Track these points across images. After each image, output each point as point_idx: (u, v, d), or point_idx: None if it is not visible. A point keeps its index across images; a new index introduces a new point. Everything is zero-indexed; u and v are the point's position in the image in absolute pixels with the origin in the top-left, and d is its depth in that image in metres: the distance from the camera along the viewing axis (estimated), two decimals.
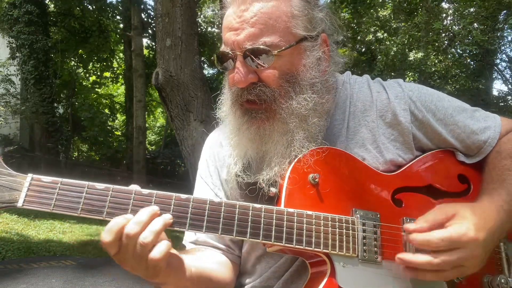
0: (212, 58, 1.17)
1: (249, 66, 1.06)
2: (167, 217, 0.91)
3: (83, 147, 23.05)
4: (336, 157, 1.11)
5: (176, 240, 1.26)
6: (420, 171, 1.18)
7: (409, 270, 0.99)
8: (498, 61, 13.58)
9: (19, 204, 0.89)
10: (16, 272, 5.59)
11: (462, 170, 1.22)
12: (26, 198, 0.90)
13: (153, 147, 27.06)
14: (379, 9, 11.54)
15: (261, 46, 1.04)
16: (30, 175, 0.92)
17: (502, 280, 1.08)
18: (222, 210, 0.96)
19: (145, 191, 0.93)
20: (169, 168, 20.93)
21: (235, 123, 1.14)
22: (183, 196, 0.95)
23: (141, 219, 0.88)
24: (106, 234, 0.87)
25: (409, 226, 1.00)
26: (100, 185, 0.93)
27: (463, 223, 0.97)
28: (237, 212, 0.97)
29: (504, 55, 13.45)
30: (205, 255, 1.21)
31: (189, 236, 1.27)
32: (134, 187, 0.94)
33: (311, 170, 1.06)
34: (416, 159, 1.19)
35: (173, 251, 0.99)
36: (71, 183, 0.92)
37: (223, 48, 1.11)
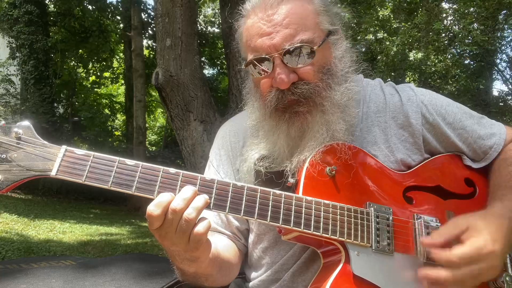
0: (238, 68, 1.20)
1: (289, 67, 1.09)
2: (206, 197, 0.96)
3: (83, 147, 23.04)
4: (353, 153, 1.15)
5: None
6: (429, 172, 1.24)
7: (431, 283, 1.01)
8: (498, 61, 13.58)
9: (53, 173, 0.92)
10: (16, 272, 5.59)
11: (469, 174, 1.28)
12: (59, 168, 0.93)
13: (153, 147, 27.04)
14: (379, 9, 11.53)
15: (300, 44, 1.07)
16: (64, 147, 0.95)
17: (507, 278, 1.10)
18: (245, 193, 1.00)
19: (172, 170, 0.98)
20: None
21: (273, 123, 1.16)
22: (208, 177, 0.99)
23: (186, 196, 0.93)
24: (155, 207, 0.91)
25: (425, 240, 1.04)
26: (130, 161, 0.97)
27: (479, 236, 1.00)
28: (258, 196, 1.00)
29: (504, 55, 13.45)
30: (216, 239, 1.25)
31: None
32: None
33: (329, 162, 1.10)
34: (426, 161, 1.25)
35: None
36: (103, 157, 0.95)
37: (256, 54, 1.12)
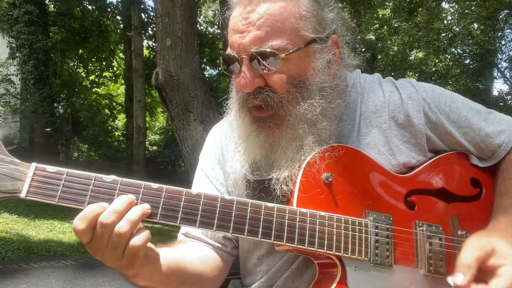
0: (218, 61, 1.15)
1: (255, 70, 1.03)
2: (146, 207, 0.87)
3: (83, 147, 23.04)
4: (350, 156, 1.08)
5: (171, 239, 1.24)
6: (433, 174, 1.16)
7: None
8: (498, 61, 13.58)
9: (23, 194, 0.84)
10: (16, 272, 5.59)
11: (475, 173, 1.21)
12: (30, 189, 0.85)
13: (154, 147, 27.04)
14: (379, 9, 11.53)
15: (268, 50, 0.99)
16: (34, 164, 0.87)
17: None
18: (234, 208, 0.93)
19: (155, 185, 0.91)
20: (169, 168, 20.91)
21: (244, 130, 1.12)
22: (194, 192, 0.93)
23: (117, 208, 0.84)
24: (79, 222, 0.83)
25: (457, 280, 0.90)
26: (108, 177, 0.89)
27: (510, 263, 0.91)
28: (249, 210, 0.94)
29: (504, 55, 13.45)
30: (189, 249, 1.16)
31: (182, 228, 1.24)
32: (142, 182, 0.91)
33: (325, 169, 1.03)
34: (430, 161, 1.17)
35: (150, 244, 0.96)
36: (77, 174, 0.87)
37: (229, 51, 1.07)
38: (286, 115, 1.05)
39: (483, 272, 0.93)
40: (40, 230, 8.46)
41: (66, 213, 11.45)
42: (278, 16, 1.00)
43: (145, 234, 0.86)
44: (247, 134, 1.10)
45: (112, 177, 0.89)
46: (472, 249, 0.95)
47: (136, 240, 0.85)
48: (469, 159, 1.22)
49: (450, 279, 0.92)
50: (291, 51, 1.01)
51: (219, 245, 1.22)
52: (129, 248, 0.84)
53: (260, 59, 1.00)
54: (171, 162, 20.55)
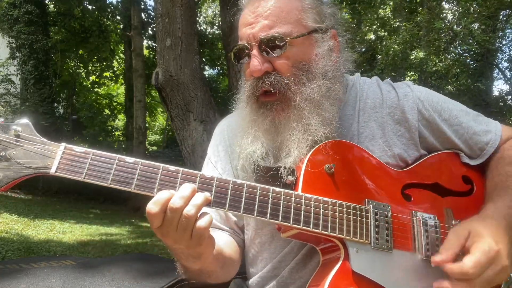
0: (229, 54, 1.26)
1: (264, 56, 1.14)
2: (207, 194, 0.96)
3: (83, 147, 23.01)
4: (351, 151, 1.17)
5: None
6: (427, 170, 1.24)
7: None
8: (499, 60, 13.57)
9: (52, 170, 0.92)
10: (16, 272, 5.59)
11: (466, 171, 1.29)
12: (59, 166, 0.93)
13: (154, 147, 27.04)
14: (379, 9, 11.52)
15: (275, 35, 1.12)
16: (63, 144, 0.95)
17: None
18: (244, 190, 1.00)
19: (172, 167, 0.98)
20: None
21: (252, 116, 1.20)
22: (207, 175, 1.00)
23: (184, 194, 0.93)
24: (153, 205, 0.92)
25: (436, 258, 1.02)
26: (129, 159, 0.97)
27: (481, 240, 1.00)
28: (258, 193, 1.01)
29: (505, 55, 13.44)
30: (217, 235, 1.24)
31: None
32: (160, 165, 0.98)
33: (327, 160, 1.11)
34: (424, 159, 1.26)
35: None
36: (102, 155, 0.95)
37: (239, 43, 1.19)
38: (293, 95, 1.14)
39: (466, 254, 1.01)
40: (40, 230, 8.46)
41: (66, 213, 11.45)
42: (283, 8, 1.15)
43: (209, 217, 0.96)
44: (255, 120, 1.19)
45: (133, 159, 0.98)
46: (451, 235, 1.05)
47: (202, 222, 0.94)
48: (460, 158, 1.31)
49: (433, 257, 1.03)
50: (295, 35, 1.14)
51: (233, 231, 1.33)
52: (196, 229, 0.94)
53: (268, 45, 1.13)
54: (171, 162, 20.52)
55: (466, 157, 1.30)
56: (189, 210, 0.92)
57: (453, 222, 1.17)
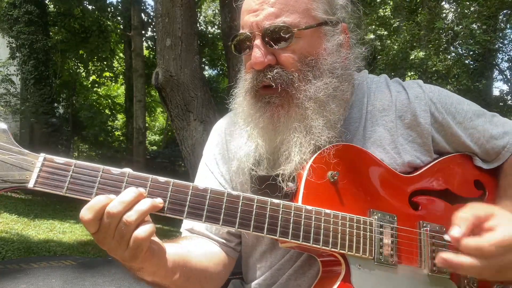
0: (230, 43, 1.15)
1: (267, 47, 1.03)
2: (158, 201, 0.88)
3: (83, 147, 23.05)
4: (355, 155, 1.08)
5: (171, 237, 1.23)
6: (437, 175, 1.16)
7: (450, 268, 0.92)
8: (499, 60, 13.57)
9: (30, 184, 0.84)
10: (16, 272, 5.59)
11: (478, 175, 1.21)
12: (38, 179, 0.84)
13: (154, 147, 27.04)
14: (379, 9, 11.52)
15: (281, 24, 1.01)
16: (42, 155, 0.86)
17: None
18: (240, 203, 0.93)
19: (162, 179, 0.91)
20: (169, 168, 20.90)
21: (248, 111, 1.10)
22: (201, 186, 0.92)
23: (125, 198, 0.85)
24: (86, 212, 0.84)
25: (454, 233, 0.88)
26: (115, 170, 0.89)
27: (509, 226, 0.88)
28: (255, 206, 0.94)
29: (505, 55, 13.44)
30: (194, 244, 1.16)
31: (186, 224, 1.24)
32: (127, 170, 0.90)
33: (330, 167, 1.02)
34: (434, 162, 1.17)
35: (156, 238, 0.97)
36: (85, 166, 0.87)
37: (241, 31, 1.08)
38: (296, 92, 1.04)
39: (481, 234, 0.90)
40: (40, 230, 8.46)
41: (66, 213, 11.45)
42: None
43: (149, 226, 0.86)
44: (251, 115, 1.09)
45: (119, 170, 0.90)
46: (472, 207, 0.94)
47: (140, 232, 0.85)
48: (473, 160, 1.22)
49: (446, 235, 0.92)
50: (303, 26, 1.03)
51: (224, 240, 1.22)
52: (133, 239, 0.85)
53: (273, 35, 1.02)
54: (171, 162, 20.54)
55: (480, 160, 1.22)
56: (130, 215, 0.83)
57: None
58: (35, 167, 0.85)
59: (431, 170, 1.16)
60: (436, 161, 1.17)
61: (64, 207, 12.66)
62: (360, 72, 1.24)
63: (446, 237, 0.92)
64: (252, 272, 1.26)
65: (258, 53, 1.03)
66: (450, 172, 1.18)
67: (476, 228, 0.90)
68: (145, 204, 0.86)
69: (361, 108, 1.18)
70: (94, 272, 5.88)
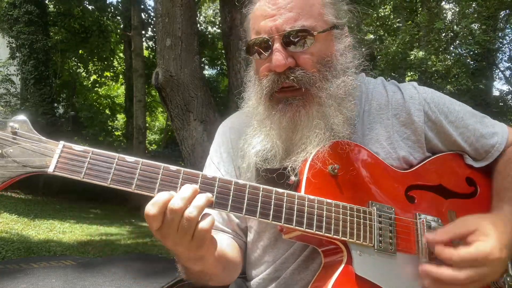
0: (244, 47, 1.19)
1: (287, 50, 1.08)
2: (209, 195, 0.93)
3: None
4: (355, 151, 1.14)
5: None
6: (431, 171, 1.22)
7: (430, 279, 1.01)
8: (499, 60, 13.57)
9: (50, 169, 0.89)
10: (16, 272, 5.59)
11: (470, 173, 1.28)
12: (57, 165, 0.89)
13: (153, 147, 27.05)
14: (379, 9, 11.52)
15: (301, 28, 1.07)
16: (61, 142, 0.92)
17: (508, 279, 1.10)
18: (247, 191, 0.97)
19: (173, 167, 0.95)
20: None
21: (267, 113, 1.15)
22: (209, 175, 0.97)
23: (185, 195, 0.90)
24: (152, 207, 0.89)
25: (429, 236, 1.02)
26: (130, 158, 0.94)
27: (487, 241, 0.97)
28: (260, 194, 0.98)
29: (505, 55, 13.45)
30: (219, 237, 1.21)
31: None
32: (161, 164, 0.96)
33: (331, 161, 1.07)
34: (428, 160, 1.23)
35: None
36: (102, 153, 0.92)
37: (257, 36, 1.12)
38: (318, 91, 1.10)
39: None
40: (40, 230, 8.47)
41: (66, 213, 11.46)
42: (306, 1, 1.10)
43: (211, 218, 0.93)
44: (272, 116, 1.13)
45: (133, 158, 0.95)
46: (457, 223, 1.04)
47: (204, 224, 0.91)
48: (464, 159, 1.29)
49: (423, 237, 1.04)
50: (320, 30, 1.10)
51: (235, 233, 1.29)
52: (198, 231, 0.91)
53: (293, 38, 1.07)
54: (171, 162, 20.52)
55: (470, 158, 1.28)
56: (191, 211, 0.89)
57: None
58: (54, 153, 0.90)
59: (425, 166, 1.22)
60: (430, 158, 1.24)
61: (64, 207, 12.68)
62: (357, 75, 1.30)
63: (423, 238, 1.03)
64: (255, 268, 1.29)
65: (279, 56, 1.07)
66: (442, 169, 1.24)
67: (462, 241, 1.00)
68: (202, 199, 0.92)
69: (359, 108, 1.24)
70: (94, 272, 5.89)
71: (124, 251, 7.78)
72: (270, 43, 1.09)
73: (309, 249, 1.16)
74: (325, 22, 1.12)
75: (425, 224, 1.11)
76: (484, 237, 0.99)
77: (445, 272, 0.97)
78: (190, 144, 5.30)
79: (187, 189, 0.91)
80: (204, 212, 0.93)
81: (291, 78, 1.08)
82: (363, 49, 1.25)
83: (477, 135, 1.26)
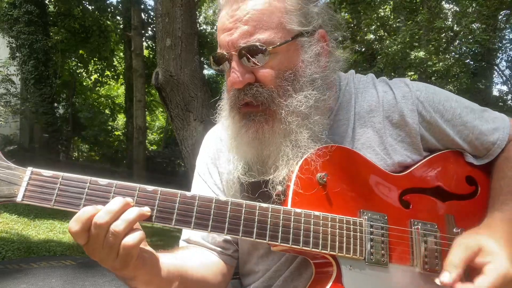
0: (208, 61, 1.13)
1: (245, 66, 1.03)
2: (145, 209, 0.88)
3: (83, 147, 23.06)
4: (344, 156, 1.08)
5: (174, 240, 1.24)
6: (428, 172, 1.16)
7: None
8: (499, 60, 13.58)
9: (18, 198, 0.86)
10: (16, 272, 5.59)
11: (470, 171, 1.20)
12: (25, 193, 0.86)
13: (154, 147, 27.06)
14: (379, 9, 11.52)
15: (256, 43, 1.00)
16: (29, 169, 0.87)
17: None
18: (228, 209, 0.93)
19: (150, 187, 0.91)
20: (169, 168, 20.91)
21: (234, 128, 1.11)
22: (189, 194, 0.92)
23: (111, 208, 0.85)
24: (74, 223, 0.84)
25: (444, 279, 0.92)
26: (102, 181, 0.89)
27: (496, 261, 0.93)
28: (243, 211, 0.94)
29: (505, 55, 13.45)
30: (190, 254, 1.16)
31: (184, 234, 1.24)
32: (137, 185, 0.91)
33: (319, 169, 1.02)
34: (424, 160, 1.17)
35: (148, 247, 0.97)
36: (72, 178, 0.88)
37: (219, 50, 1.08)
38: (278, 108, 1.04)
39: (473, 271, 0.94)
40: (40, 230, 8.46)
41: (66, 213, 11.41)
42: (264, 11, 1.02)
43: (138, 234, 0.86)
44: (237, 132, 1.09)
45: (106, 180, 0.90)
46: (459, 248, 0.96)
47: (129, 239, 0.85)
48: (464, 157, 1.22)
49: (437, 279, 0.93)
50: (278, 43, 1.02)
51: (220, 249, 1.22)
52: (122, 248, 0.85)
53: (249, 54, 1.01)
54: (171, 162, 20.56)
55: (471, 156, 1.21)
56: (117, 225, 0.84)
57: (454, 230, 1.11)
58: (22, 181, 0.86)
59: (421, 167, 1.15)
60: (427, 158, 1.17)
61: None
62: (346, 73, 1.24)
63: (437, 281, 0.94)
64: (250, 276, 1.26)
65: (234, 74, 1.03)
66: (441, 169, 1.17)
67: (469, 267, 0.93)
68: (132, 213, 0.86)
69: (348, 110, 1.18)
70: (94, 272, 5.89)
71: None
72: (229, 59, 1.05)
73: (302, 257, 1.11)
74: (287, 32, 1.03)
75: (420, 232, 1.06)
76: (491, 256, 0.94)
77: None
78: (190, 144, 5.31)
79: (115, 203, 0.86)
80: (137, 228, 0.87)
81: (250, 95, 1.04)
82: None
83: (476, 132, 1.19)
